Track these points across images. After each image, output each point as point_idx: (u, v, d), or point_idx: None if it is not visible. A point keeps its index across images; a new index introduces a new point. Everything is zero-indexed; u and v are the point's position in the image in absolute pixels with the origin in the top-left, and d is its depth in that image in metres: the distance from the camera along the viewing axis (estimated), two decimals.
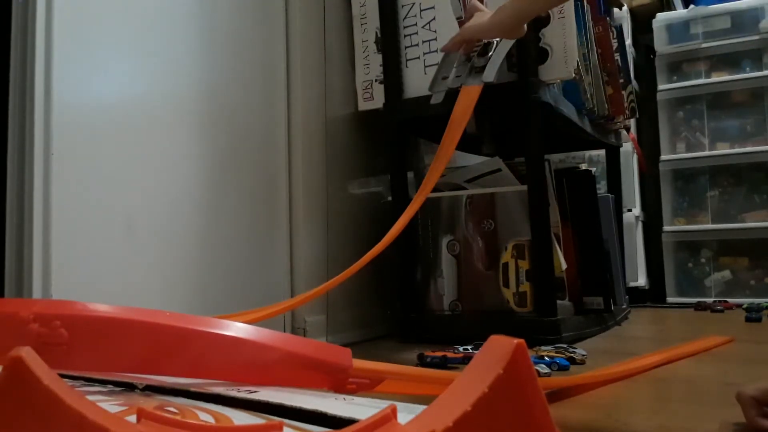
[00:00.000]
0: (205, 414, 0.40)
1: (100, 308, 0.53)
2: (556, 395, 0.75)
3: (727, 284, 2.30)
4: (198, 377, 0.53)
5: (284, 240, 1.28)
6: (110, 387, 0.51)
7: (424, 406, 0.35)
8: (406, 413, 0.33)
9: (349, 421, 0.37)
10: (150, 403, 0.45)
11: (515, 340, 0.30)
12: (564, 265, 1.32)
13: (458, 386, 0.32)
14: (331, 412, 0.38)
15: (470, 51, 1.19)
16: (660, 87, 2.42)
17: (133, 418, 0.31)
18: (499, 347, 0.31)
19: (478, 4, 1.16)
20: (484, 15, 1.12)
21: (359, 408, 0.42)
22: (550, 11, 1.25)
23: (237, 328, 0.53)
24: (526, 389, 0.30)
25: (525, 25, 1.09)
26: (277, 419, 0.39)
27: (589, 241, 1.43)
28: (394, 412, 0.32)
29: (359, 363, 0.60)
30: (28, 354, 0.26)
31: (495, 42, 1.20)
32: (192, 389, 0.48)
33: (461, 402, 0.29)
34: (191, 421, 0.35)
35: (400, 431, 0.31)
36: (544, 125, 1.25)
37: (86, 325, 0.52)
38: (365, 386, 0.61)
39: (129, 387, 0.50)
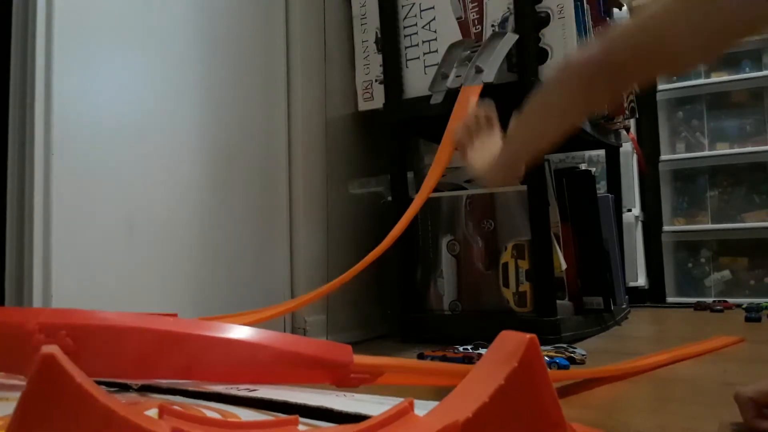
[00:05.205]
0: (210, 412, 0.40)
1: (105, 316, 0.53)
2: (558, 393, 0.75)
3: (726, 284, 2.30)
4: (204, 380, 0.53)
5: (284, 240, 1.28)
6: (104, 388, 0.51)
7: (427, 401, 0.36)
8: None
9: (356, 417, 0.37)
10: (151, 401, 0.45)
11: (528, 335, 0.31)
12: (564, 265, 1.32)
13: (474, 379, 0.32)
14: (337, 408, 0.39)
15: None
16: (659, 87, 2.42)
17: (150, 414, 0.32)
18: (512, 342, 0.31)
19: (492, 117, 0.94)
20: (488, 144, 0.91)
21: (362, 404, 0.42)
22: (550, 14, 1.25)
23: (242, 332, 0.54)
24: (538, 382, 0.31)
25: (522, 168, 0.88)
26: (284, 416, 0.39)
27: (589, 241, 1.43)
28: (411, 405, 0.32)
29: (359, 358, 0.60)
30: (59, 352, 0.26)
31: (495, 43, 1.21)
32: (189, 388, 0.49)
33: (479, 394, 0.30)
34: (213, 417, 0.35)
35: (420, 423, 0.31)
36: None
37: (91, 333, 0.52)
38: (366, 380, 0.61)
39: (123, 387, 0.50)
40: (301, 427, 0.35)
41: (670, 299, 2.35)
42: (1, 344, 0.54)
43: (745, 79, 2.29)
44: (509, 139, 0.86)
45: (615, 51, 0.63)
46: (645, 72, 0.67)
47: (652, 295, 2.40)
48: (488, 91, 1.16)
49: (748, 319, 1.61)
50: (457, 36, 1.33)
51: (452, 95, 1.18)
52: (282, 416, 0.39)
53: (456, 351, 1.03)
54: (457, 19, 1.33)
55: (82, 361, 0.51)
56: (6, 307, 0.84)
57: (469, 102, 1.12)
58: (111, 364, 0.53)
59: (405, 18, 1.40)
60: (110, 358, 0.53)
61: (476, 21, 1.32)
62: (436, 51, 1.35)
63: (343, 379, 0.58)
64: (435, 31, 1.37)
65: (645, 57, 0.61)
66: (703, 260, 2.34)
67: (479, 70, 1.18)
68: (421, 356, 1.00)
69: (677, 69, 0.63)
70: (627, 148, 2.19)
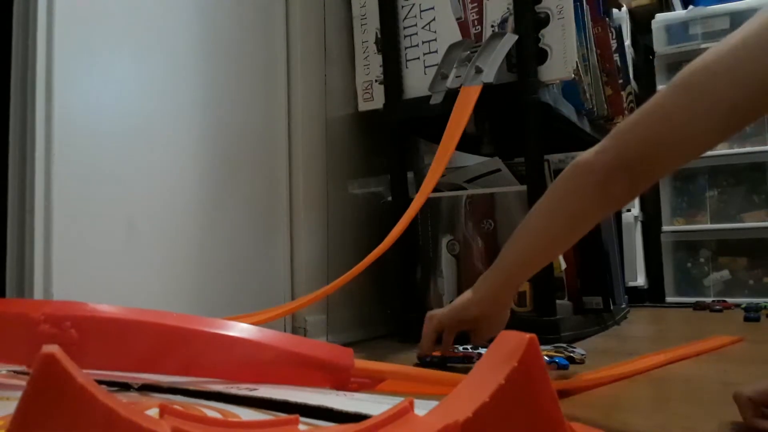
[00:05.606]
0: (211, 411, 0.40)
1: (109, 309, 0.53)
2: (558, 393, 0.75)
3: (725, 284, 2.30)
4: (205, 377, 0.53)
5: (284, 240, 1.28)
6: (104, 387, 0.51)
7: (427, 401, 0.36)
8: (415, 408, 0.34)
9: (356, 416, 0.37)
10: (152, 401, 0.45)
11: (527, 335, 0.31)
12: (563, 265, 1.33)
13: (473, 379, 0.33)
14: (337, 408, 0.39)
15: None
16: (659, 87, 2.43)
17: (151, 414, 0.32)
18: (511, 341, 0.32)
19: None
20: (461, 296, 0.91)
21: (363, 403, 0.42)
22: (550, 14, 1.25)
23: (245, 330, 0.54)
24: (538, 382, 0.31)
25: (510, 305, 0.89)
26: (284, 416, 0.39)
27: (589, 241, 1.44)
28: (411, 404, 0.33)
29: (360, 363, 0.61)
30: (60, 352, 0.27)
31: (495, 43, 1.21)
32: (190, 387, 0.49)
33: (479, 393, 0.30)
34: (214, 417, 0.35)
35: (420, 423, 0.31)
36: (544, 125, 1.25)
37: (96, 325, 0.52)
38: (366, 385, 0.61)
39: (124, 387, 0.50)
40: (301, 427, 0.35)
41: (669, 299, 2.35)
42: (6, 334, 0.54)
43: None
44: (505, 253, 0.82)
45: (629, 145, 0.62)
46: (665, 163, 0.64)
47: (652, 295, 2.40)
48: (488, 91, 1.16)
49: (747, 319, 1.61)
50: (457, 36, 1.33)
51: (452, 95, 1.18)
52: (282, 416, 0.39)
53: (456, 351, 1.03)
54: (457, 19, 1.33)
55: (85, 352, 0.52)
56: (12, 298, 0.84)
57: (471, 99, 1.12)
58: (114, 358, 0.54)
59: (405, 18, 1.40)
60: (114, 351, 0.53)
61: (476, 21, 1.33)
62: (436, 51, 1.35)
63: (343, 383, 0.59)
64: (435, 32, 1.37)
65: (661, 146, 0.59)
66: (702, 260, 2.35)
67: (479, 71, 1.18)
68: (420, 356, 1.00)
69: (695, 154, 0.61)
70: None
